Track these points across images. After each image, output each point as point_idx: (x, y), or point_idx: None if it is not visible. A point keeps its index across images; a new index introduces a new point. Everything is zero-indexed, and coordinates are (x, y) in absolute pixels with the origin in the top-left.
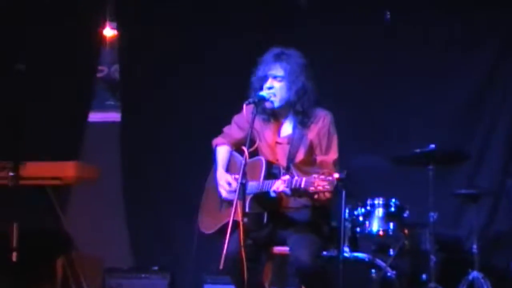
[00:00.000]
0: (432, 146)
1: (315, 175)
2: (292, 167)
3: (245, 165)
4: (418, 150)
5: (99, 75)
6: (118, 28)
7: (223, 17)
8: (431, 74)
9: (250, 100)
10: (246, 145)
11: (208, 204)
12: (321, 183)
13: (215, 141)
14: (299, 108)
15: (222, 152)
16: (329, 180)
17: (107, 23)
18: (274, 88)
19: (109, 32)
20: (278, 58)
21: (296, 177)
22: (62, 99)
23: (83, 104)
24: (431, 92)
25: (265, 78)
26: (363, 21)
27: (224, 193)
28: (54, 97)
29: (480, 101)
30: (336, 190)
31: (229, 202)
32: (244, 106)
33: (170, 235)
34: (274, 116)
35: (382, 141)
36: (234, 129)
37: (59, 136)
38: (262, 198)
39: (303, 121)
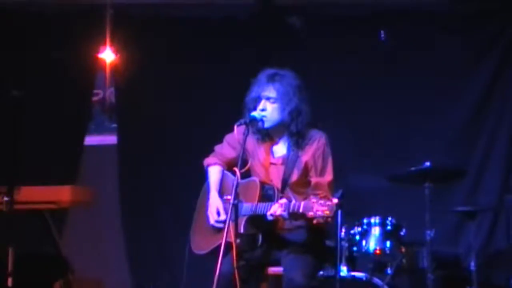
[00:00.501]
0: (427, 164)
1: (314, 200)
2: (287, 189)
3: (237, 186)
4: (413, 168)
5: (95, 98)
6: (113, 52)
7: (219, 39)
8: (430, 92)
9: (242, 121)
10: (238, 166)
11: (200, 224)
12: (320, 208)
13: (207, 160)
14: (293, 129)
15: (214, 173)
16: (328, 205)
17: (106, 47)
18: (267, 110)
19: (108, 55)
20: (271, 79)
21: (293, 201)
22: (59, 123)
23: (79, 127)
24: (430, 110)
25: (258, 99)
26: (362, 40)
27: (211, 221)
28: (51, 121)
29: (479, 118)
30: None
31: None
32: (235, 127)
33: (169, 257)
34: (268, 136)
35: (380, 160)
36: (226, 149)
37: (56, 160)
38: (257, 220)
39: (297, 142)
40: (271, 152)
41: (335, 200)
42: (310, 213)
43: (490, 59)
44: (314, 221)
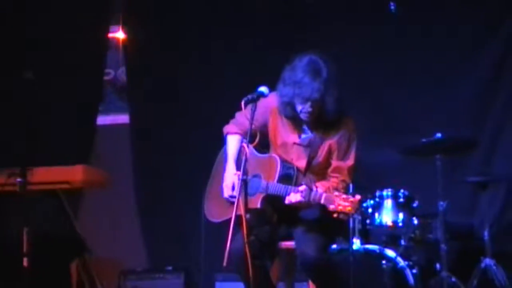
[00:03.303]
0: (438, 135)
1: (337, 193)
2: (308, 171)
3: (245, 162)
4: (424, 140)
5: (106, 78)
6: (124, 31)
7: (232, 15)
8: (441, 63)
9: (249, 97)
10: (246, 141)
11: (214, 192)
12: (342, 203)
13: (226, 128)
14: (325, 115)
15: (233, 142)
16: (351, 202)
17: (118, 26)
18: (313, 111)
19: (120, 35)
20: (316, 76)
21: (314, 190)
22: (70, 103)
23: (91, 107)
24: (441, 82)
25: (300, 99)
26: (373, 13)
27: (225, 194)
28: (62, 101)
29: (491, 89)
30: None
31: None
32: (243, 103)
33: (184, 235)
34: (296, 117)
35: (391, 133)
36: (246, 118)
37: (68, 141)
38: (274, 200)
39: (325, 125)
40: (297, 132)
41: (358, 197)
42: (331, 206)
43: (503, 28)
44: (334, 215)
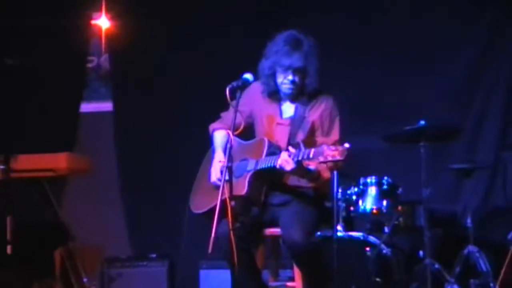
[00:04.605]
0: (422, 122)
1: (325, 146)
2: None
3: (230, 148)
4: (408, 128)
5: (89, 65)
6: (107, 18)
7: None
8: (425, 50)
9: (234, 84)
10: (232, 128)
11: (201, 184)
12: (330, 152)
13: (212, 126)
14: (305, 90)
15: (220, 136)
16: (339, 150)
17: (101, 13)
18: (295, 81)
19: (104, 22)
20: (296, 47)
21: (303, 149)
22: (53, 90)
23: (74, 94)
24: (425, 69)
25: (282, 68)
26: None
27: (213, 177)
28: (45, 88)
29: (475, 76)
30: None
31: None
32: (228, 90)
33: (168, 222)
34: (277, 95)
35: (375, 121)
36: (232, 114)
37: (52, 128)
38: (262, 173)
39: (306, 102)
40: (279, 112)
41: (347, 145)
42: (321, 158)
43: (488, 16)
44: (324, 165)
